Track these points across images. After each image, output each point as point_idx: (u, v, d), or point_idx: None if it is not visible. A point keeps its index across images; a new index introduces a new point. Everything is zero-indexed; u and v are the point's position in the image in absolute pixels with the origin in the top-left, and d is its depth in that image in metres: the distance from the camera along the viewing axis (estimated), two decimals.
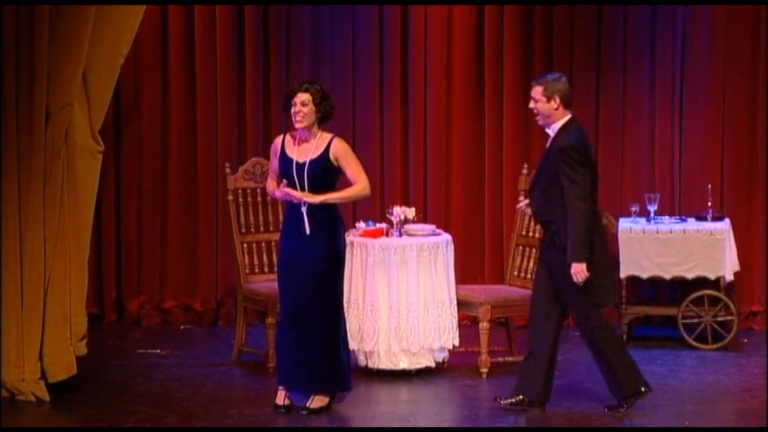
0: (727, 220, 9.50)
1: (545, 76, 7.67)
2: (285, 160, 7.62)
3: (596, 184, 7.62)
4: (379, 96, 10.08)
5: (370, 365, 8.53)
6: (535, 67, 9.90)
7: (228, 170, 9.03)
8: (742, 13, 9.72)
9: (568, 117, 7.59)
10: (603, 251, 7.57)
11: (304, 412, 7.63)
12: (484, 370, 8.53)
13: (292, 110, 7.54)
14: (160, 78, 10.03)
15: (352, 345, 8.54)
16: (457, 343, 8.63)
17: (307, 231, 7.56)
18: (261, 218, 9.04)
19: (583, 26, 9.86)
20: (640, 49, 9.87)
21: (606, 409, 7.66)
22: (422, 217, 9.43)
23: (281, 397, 7.70)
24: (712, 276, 9.29)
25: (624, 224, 9.40)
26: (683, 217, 9.57)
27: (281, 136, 7.71)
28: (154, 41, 9.97)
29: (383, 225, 8.77)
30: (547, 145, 7.62)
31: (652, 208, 9.44)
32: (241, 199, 8.99)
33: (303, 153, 7.61)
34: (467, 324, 9.35)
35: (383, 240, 8.58)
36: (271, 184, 7.76)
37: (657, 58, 9.87)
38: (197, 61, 10.01)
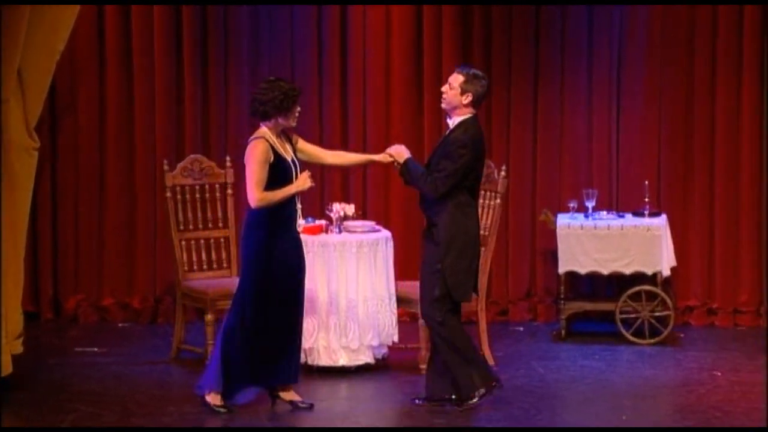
0: (663, 216, 9.59)
1: (470, 69, 7.69)
2: (285, 162, 7.54)
3: (479, 184, 7.69)
4: (317, 93, 10.06)
5: (310, 362, 8.52)
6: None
7: (166, 167, 8.98)
8: (678, 13, 9.80)
9: (470, 115, 7.62)
10: (468, 251, 7.60)
11: (305, 405, 7.70)
12: (424, 367, 8.52)
13: (295, 110, 7.55)
14: (97, 75, 9.95)
15: None
16: (396, 339, 8.64)
17: (301, 228, 7.63)
18: (200, 215, 9.00)
19: (522, 26, 9.91)
20: (577, 48, 9.92)
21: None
22: (362, 214, 9.43)
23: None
24: (649, 271, 9.36)
25: (562, 220, 9.46)
26: (621, 213, 9.64)
27: (264, 142, 7.50)
28: (90, 38, 9.89)
29: (323, 222, 8.76)
30: (443, 136, 7.68)
31: (590, 204, 9.50)
32: (179, 196, 8.94)
33: (287, 151, 7.60)
34: (407, 320, 9.35)
35: (323, 237, 8.57)
36: (287, 189, 7.48)
37: (594, 56, 9.93)
38: (134, 57, 9.94)
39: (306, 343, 8.46)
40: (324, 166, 8.16)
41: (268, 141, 7.50)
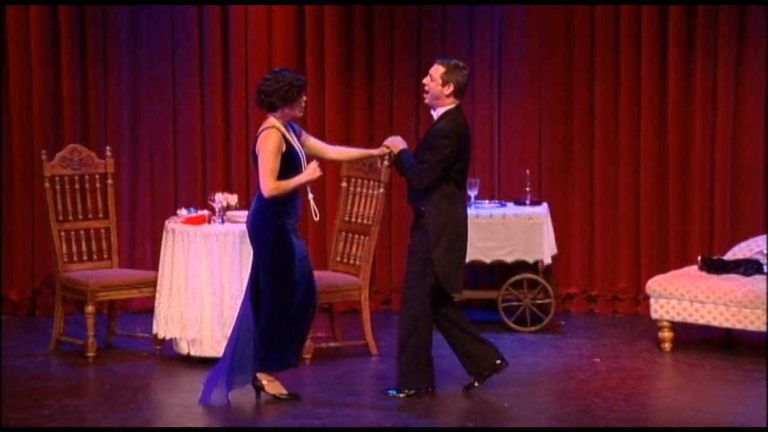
0: (544, 205, 9.70)
1: (450, 60, 7.71)
2: (295, 151, 7.55)
3: (466, 174, 7.73)
4: (199, 84, 10.01)
5: (193, 353, 8.47)
6: (356, 62, 9.97)
7: (44, 157, 8.84)
8: (556, 9, 9.92)
9: (453, 105, 7.65)
10: (458, 243, 7.64)
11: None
12: (308, 356, 8.53)
13: (301, 100, 7.55)
14: None
15: (175, 333, 8.48)
16: None
17: (317, 216, 7.65)
18: (79, 206, 8.88)
19: (403, 25, 9.95)
20: (458, 44, 9.99)
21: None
22: (245, 204, 9.38)
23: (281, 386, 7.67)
24: (530, 260, 9.46)
25: None
26: (502, 202, 9.73)
27: (276, 132, 7.50)
28: None
29: (205, 212, 8.70)
30: (428, 128, 7.73)
31: (473, 193, 9.57)
32: (58, 187, 8.82)
33: (295, 141, 7.61)
34: None
35: (205, 227, 8.51)
36: (297, 179, 7.48)
37: (475, 50, 10.00)
38: (9, 46, 9.77)
39: (189, 334, 8.42)
40: (323, 160, 7.99)
41: (279, 131, 7.50)
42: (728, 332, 9.02)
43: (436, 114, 7.67)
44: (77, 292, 8.66)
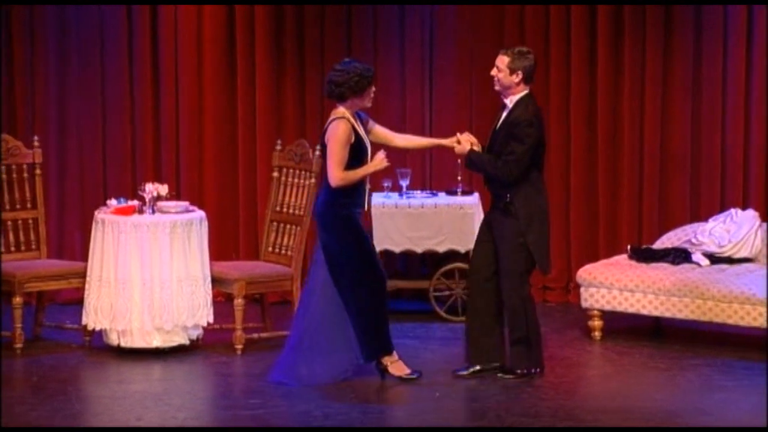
0: (476, 195, 9.73)
1: (514, 48, 7.79)
2: (363, 142, 7.65)
3: (543, 158, 7.83)
4: (128, 73, 9.93)
5: (123, 344, 8.42)
6: (287, 61, 9.94)
7: None
8: (487, 8, 9.95)
9: (525, 92, 7.72)
10: (546, 226, 7.79)
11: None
12: (239, 347, 8.51)
13: (370, 90, 7.64)
14: None
15: (104, 324, 8.42)
16: (211, 320, 8.59)
17: (365, 207, 7.79)
18: (7, 196, 8.80)
19: (334, 25, 9.93)
20: (390, 40, 9.98)
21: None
22: (175, 194, 9.34)
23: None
24: (462, 249, 9.49)
25: (377, 199, 9.51)
26: (434, 192, 9.75)
27: (346, 122, 7.58)
28: None
29: (135, 202, 8.64)
30: (503, 115, 7.78)
31: (404, 183, 9.59)
32: None
33: (363, 132, 7.68)
34: (222, 301, 9.32)
35: (135, 217, 8.46)
36: (365, 168, 7.63)
37: (407, 43, 10.00)
38: None
39: (119, 324, 8.36)
40: (389, 148, 7.97)
41: (349, 122, 7.57)
42: (657, 321, 9.11)
43: (509, 102, 7.76)
44: (4, 283, 8.56)
